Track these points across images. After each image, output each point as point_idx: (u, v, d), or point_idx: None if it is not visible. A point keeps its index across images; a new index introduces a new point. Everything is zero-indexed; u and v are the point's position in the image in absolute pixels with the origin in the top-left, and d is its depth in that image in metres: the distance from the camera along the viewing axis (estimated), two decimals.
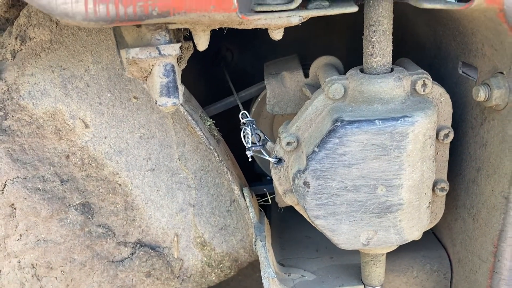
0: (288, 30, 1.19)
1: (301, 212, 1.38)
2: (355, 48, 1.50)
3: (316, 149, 1.17)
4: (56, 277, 1.59)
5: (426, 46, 1.60)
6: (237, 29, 1.17)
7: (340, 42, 1.99)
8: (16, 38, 1.45)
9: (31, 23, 1.44)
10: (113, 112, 1.51)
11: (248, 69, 2.12)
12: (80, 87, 1.48)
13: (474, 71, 1.32)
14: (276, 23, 1.09)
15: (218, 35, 1.33)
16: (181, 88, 1.19)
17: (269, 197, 1.66)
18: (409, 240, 1.30)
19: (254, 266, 2.39)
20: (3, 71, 1.45)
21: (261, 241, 1.42)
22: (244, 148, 1.40)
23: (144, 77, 1.19)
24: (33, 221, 1.52)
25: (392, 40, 1.22)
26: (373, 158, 1.16)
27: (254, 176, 1.96)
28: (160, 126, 1.55)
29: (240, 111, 1.45)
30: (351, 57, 1.55)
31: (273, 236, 1.67)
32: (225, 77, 1.93)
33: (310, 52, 1.61)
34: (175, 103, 1.15)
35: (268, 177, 1.83)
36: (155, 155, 1.57)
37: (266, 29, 1.15)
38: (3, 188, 1.48)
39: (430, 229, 1.70)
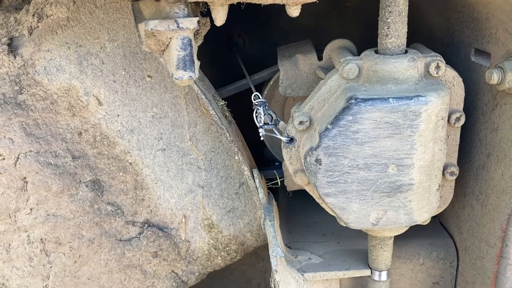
0: (300, 17, 1.19)
1: (311, 192, 1.39)
2: (367, 38, 1.51)
3: (329, 126, 1.18)
4: (64, 253, 1.60)
5: (438, 36, 1.62)
6: (249, 15, 1.17)
7: (352, 32, 2.00)
8: (33, 15, 1.47)
9: (49, 1, 1.46)
10: (127, 90, 1.53)
11: (259, 55, 2.13)
12: (95, 64, 1.49)
13: (486, 58, 1.33)
14: None
15: (231, 22, 1.34)
16: (197, 62, 1.21)
17: (278, 180, 1.67)
18: (418, 222, 1.30)
19: (258, 255, 2.41)
20: (19, 46, 1.47)
21: (270, 221, 1.43)
22: (254, 133, 1.41)
23: (161, 51, 1.21)
24: (44, 195, 1.53)
25: (407, 21, 1.23)
26: (385, 136, 1.17)
27: (263, 162, 1.97)
28: (173, 106, 1.56)
29: (251, 95, 1.47)
30: (363, 47, 1.57)
31: (281, 220, 1.68)
32: (236, 63, 1.94)
33: (321, 41, 1.62)
34: (191, 76, 1.17)
35: (277, 163, 1.85)
36: (167, 135, 1.58)
37: (278, 16, 1.16)
38: (16, 161, 1.49)
39: (437, 217, 1.71)
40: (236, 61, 1.98)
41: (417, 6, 1.60)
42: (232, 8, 1.20)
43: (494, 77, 1.19)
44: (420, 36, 1.72)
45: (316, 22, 2.04)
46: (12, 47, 1.47)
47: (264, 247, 1.81)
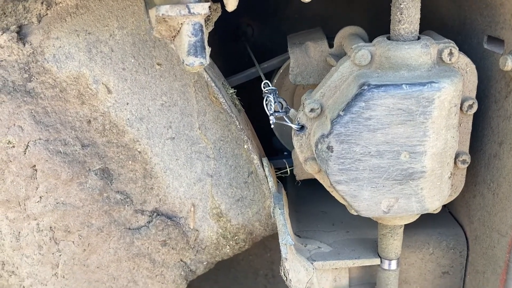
0: (309, 6, 1.18)
1: (321, 180, 1.38)
2: (376, 27, 1.50)
3: (342, 113, 1.17)
4: (73, 241, 1.60)
5: (449, 24, 1.60)
6: (257, 4, 1.15)
7: (360, 20, 1.99)
8: (42, 3, 1.46)
9: None
10: (136, 78, 1.52)
11: (268, 44, 2.13)
12: (104, 52, 1.49)
13: (500, 45, 1.32)
14: None
15: (239, 11, 1.33)
16: (208, 49, 1.20)
17: (288, 169, 1.67)
18: (430, 210, 1.30)
19: (265, 246, 2.41)
20: (28, 34, 1.46)
21: (279, 209, 1.42)
22: (263, 122, 1.39)
23: (172, 37, 1.20)
24: (53, 183, 1.53)
25: (420, 7, 1.22)
26: (398, 123, 1.16)
27: (272, 151, 1.97)
28: (182, 94, 1.55)
29: (261, 85, 1.46)
30: (372, 35, 1.55)
31: (290, 209, 1.68)
32: (244, 53, 1.94)
33: (330, 29, 1.61)
34: (202, 63, 1.16)
35: (286, 152, 1.84)
36: (176, 124, 1.58)
37: (286, 5, 1.14)
38: (26, 149, 1.49)
39: (446, 207, 1.70)
40: (244, 51, 1.97)
41: None
42: None
43: (508, 63, 1.18)
44: (431, 24, 1.71)
45: (325, 11, 2.03)
46: (21, 35, 1.46)
47: (272, 237, 1.81)
